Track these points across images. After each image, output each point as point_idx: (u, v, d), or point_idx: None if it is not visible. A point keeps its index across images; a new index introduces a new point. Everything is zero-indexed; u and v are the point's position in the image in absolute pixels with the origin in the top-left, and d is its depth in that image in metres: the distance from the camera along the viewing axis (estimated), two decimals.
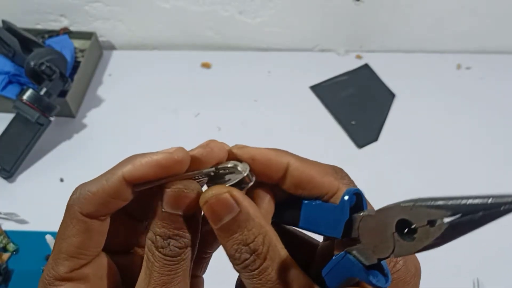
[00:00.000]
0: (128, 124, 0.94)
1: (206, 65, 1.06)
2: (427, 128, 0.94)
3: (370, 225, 0.22)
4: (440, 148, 0.90)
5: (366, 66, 1.06)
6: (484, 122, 0.95)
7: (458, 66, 1.06)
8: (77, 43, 1.03)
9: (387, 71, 1.04)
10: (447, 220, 0.18)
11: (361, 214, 0.23)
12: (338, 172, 0.27)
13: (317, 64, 1.07)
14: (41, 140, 0.87)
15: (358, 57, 1.08)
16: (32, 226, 0.78)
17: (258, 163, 0.26)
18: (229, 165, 0.26)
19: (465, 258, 0.73)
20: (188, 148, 0.26)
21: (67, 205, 0.26)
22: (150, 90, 1.01)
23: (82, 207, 0.25)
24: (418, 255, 0.21)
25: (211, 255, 0.30)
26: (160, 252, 0.24)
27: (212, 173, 0.26)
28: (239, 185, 0.25)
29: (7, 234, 0.76)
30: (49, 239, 0.62)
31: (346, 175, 0.27)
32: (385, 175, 0.86)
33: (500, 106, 0.98)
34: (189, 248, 0.24)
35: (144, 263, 0.24)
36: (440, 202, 0.18)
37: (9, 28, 0.91)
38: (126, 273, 0.28)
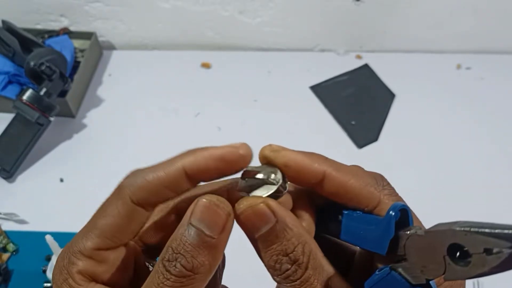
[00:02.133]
0: (128, 124, 0.94)
1: (206, 65, 1.06)
2: (427, 128, 0.93)
3: (419, 245, 0.21)
4: (440, 148, 0.90)
5: (366, 66, 1.06)
6: (484, 122, 0.95)
7: (458, 66, 1.06)
8: (77, 43, 1.03)
9: (387, 71, 1.04)
10: (507, 251, 0.17)
11: (408, 232, 0.22)
12: (379, 182, 0.25)
13: (317, 64, 1.07)
14: (41, 140, 0.87)
15: (358, 57, 1.08)
16: (32, 226, 0.78)
17: (291, 170, 0.25)
18: (260, 176, 0.25)
19: None
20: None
21: (119, 186, 0.24)
22: (150, 90, 1.01)
23: (134, 192, 0.23)
24: None
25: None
26: (164, 265, 0.22)
27: (246, 179, 0.25)
28: (273, 194, 0.24)
29: (7, 234, 0.76)
30: (49, 239, 0.62)
31: (388, 184, 0.26)
32: (385, 175, 0.85)
33: (500, 106, 0.98)
34: (195, 275, 0.22)
35: (152, 272, 0.23)
36: (498, 231, 0.17)
37: (9, 28, 0.91)
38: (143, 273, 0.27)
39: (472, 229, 0.18)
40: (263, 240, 0.23)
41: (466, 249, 0.19)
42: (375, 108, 0.98)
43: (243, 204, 0.23)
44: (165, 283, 0.21)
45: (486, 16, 1.05)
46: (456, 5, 1.03)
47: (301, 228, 0.23)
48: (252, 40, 1.10)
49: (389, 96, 1.00)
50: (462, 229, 0.19)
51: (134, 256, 0.26)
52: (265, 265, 0.23)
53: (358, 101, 0.99)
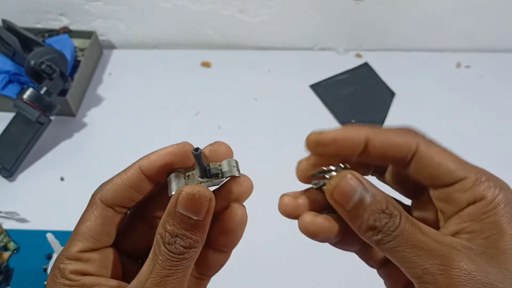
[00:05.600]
0: (128, 123, 0.94)
1: (206, 64, 1.06)
2: (427, 126, 0.92)
3: None
4: None
5: (366, 65, 1.06)
6: (484, 120, 0.95)
7: (458, 65, 1.06)
8: (77, 42, 1.03)
9: (387, 69, 1.04)
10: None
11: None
12: (411, 130, 0.28)
13: (317, 62, 1.07)
14: (41, 139, 0.87)
15: (358, 55, 1.08)
16: (33, 224, 0.78)
17: (340, 144, 0.27)
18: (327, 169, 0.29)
19: None
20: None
21: (92, 195, 0.29)
22: (150, 89, 1.01)
23: (103, 196, 0.28)
24: None
25: (209, 280, 0.31)
26: (166, 247, 0.25)
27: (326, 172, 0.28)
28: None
29: (8, 233, 0.76)
30: (50, 238, 0.62)
31: (418, 131, 0.28)
32: None
33: (499, 105, 0.98)
34: (193, 249, 0.26)
35: (150, 255, 0.26)
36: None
37: (9, 27, 0.91)
38: (130, 277, 0.29)
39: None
40: (358, 207, 0.25)
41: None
42: (375, 106, 0.98)
43: (333, 181, 0.27)
44: (170, 259, 0.25)
45: (486, 14, 1.05)
46: (455, 4, 1.03)
47: (381, 190, 0.26)
48: (252, 39, 1.10)
49: (389, 94, 1.00)
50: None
51: (119, 258, 0.30)
52: (363, 230, 0.26)
53: (358, 99, 0.99)
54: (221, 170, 0.29)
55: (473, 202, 0.25)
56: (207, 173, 0.28)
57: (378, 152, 0.27)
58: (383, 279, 0.32)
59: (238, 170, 0.29)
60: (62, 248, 0.28)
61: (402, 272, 0.27)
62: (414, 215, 0.30)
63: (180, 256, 0.25)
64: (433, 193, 0.28)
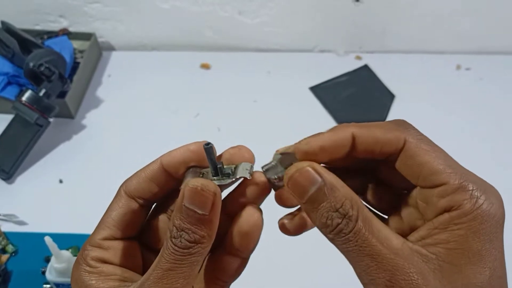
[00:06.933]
0: (127, 125, 0.94)
1: (205, 66, 1.06)
2: (427, 128, 0.92)
3: None
4: None
5: (365, 67, 1.06)
6: (484, 122, 0.95)
7: (458, 67, 1.06)
8: (76, 44, 1.03)
9: (387, 72, 1.04)
10: None
11: None
12: (401, 125, 0.27)
13: (317, 64, 1.07)
14: (40, 141, 0.87)
15: (358, 57, 1.08)
16: (31, 227, 0.78)
17: (327, 150, 0.27)
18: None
19: None
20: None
21: (119, 188, 0.30)
22: (150, 91, 1.01)
23: (127, 187, 0.29)
24: None
25: (229, 286, 0.30)
26: (172, 241, 0.25)
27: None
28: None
29: (6, 235, 0.76)
30: (48, 240, 0.62)
31: (410, 125, 0.27)
32: None
33: (499, 107, 0.98)
34: (199, 245, 0.25)
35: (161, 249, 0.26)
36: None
37: (8, 29, 0.91)
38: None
39: None
40: (312, 201, 0.25)
41: None
42: (375, 108, 0.98)
43: (291, 170, 0.26)
44: (175, 253, 0.25)
45: (486, 16, 1.05)
46: (455, 6, 1.03)
47: (345, 186, 0.25)
48: (251, 40, 1.10)
49: (389, 96, 1.00)
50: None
51: (141, 251, 0.31)
52: (317, 226, 0.25)
53: (358, 101, 0.99)
54: (232, 170, 0.29)
55: (449, 210, 0.24)
56: (218, 172, 0.28)
57: (365, 149, 0.27)
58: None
59: (251, 173, 0.29)
60: (89, 236, 0.29)
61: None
62: (391, 218, 0.29)
63: (185, 251, 0.25)
64: (417, 193, 0.27)
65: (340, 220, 0.24)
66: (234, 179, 0.28)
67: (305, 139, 0.28)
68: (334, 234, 0.24)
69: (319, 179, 0.25)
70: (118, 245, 0.29)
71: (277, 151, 0.29)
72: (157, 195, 0.30)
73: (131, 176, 0.30)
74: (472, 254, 0.22)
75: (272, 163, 0.29)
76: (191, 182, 0.25)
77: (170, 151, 0.30)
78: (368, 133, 0.26)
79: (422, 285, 0.22)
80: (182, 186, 0.26)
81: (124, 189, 0.30)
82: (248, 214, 0.29)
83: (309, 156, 0.27)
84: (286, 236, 0.31)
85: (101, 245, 0.28)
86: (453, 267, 0.23)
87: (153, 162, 0.30)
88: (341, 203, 0.24)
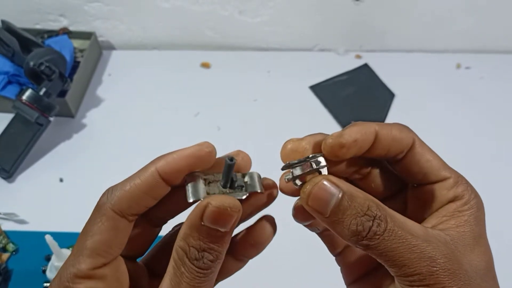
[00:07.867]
0: (127, 123, 0.94)
1: (205, 65, 1.06)
2: (427, 127, 0.93)
3: None
4: (439, 148, 0.90)
5: (365, 66, 1.06)
6: (484, 121, 0.95)
7: (458, 66, 1.06)
8: (77, 43, 1.03)
9: (387, 70, 1.04)
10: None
11: None
12: (405, 127, 0.28)
13: (317, 63, 1.07)
14: (40, 140, 0.87)
15: (358, 56, 1.08)
16: (32, 226, 0.78)
17: (359, 143, 0.26)
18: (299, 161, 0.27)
19: None
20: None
21: (97, 204, 0.26)
22: (150, 90, 1.01)
23: (114, 204, 0.25)
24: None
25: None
26: (193, 264, 0.24)
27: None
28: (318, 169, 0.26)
29: (7, 234, 0.76)
30: (49, 239, 0.62)
31: (409, 127, 0.29)
32: None
33: (499, 106, 0.98)
34: (218, 261, 0.25)
35: (171, 270, 0.25)
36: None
37: (8, 28, 0.91)
38: (132, 277, 0.28)
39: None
40: (335, 212, 0.24)
41: None
42: (375, 107, 0.98)
43: (307, 187, 0.25)
44: (199, 275, 0.24)
45: (486, 15, 1.05)
46: (455, 5, 1.03)
47: (362, 191, 0.25)
48: (251, 39, 1.10)
49: (389, 95, 1.00)
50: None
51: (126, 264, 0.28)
52: (347, 236, 0.24)
53: (358, 100, 0.99)
54: (246, 183, 0.28)
55: (453, 200, 0.27)
56: (232, 184, 0.27)
57: (383, 147, 0.27)
58: (340, 267, 0.32)
59: (261, 185, 0.28)
60: (63, 264, 0.26)
61: (360, 262, 0.29)
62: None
63: (208, 271, 0.24)
64: (415, 190, 0.29)
65: (371, 222, 0.24)
66: (248, 194, 0.28)
67: (335, 133, 0.27)
68: (368, 239, 0.24)
69: (337, 189, 0.24)
70: (108, 271, 0.26)
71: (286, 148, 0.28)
72: (150, 207, 0.27)
73: (115, 189, 0.26)
74: (477, 235, 0.25)
75: (295, 170, 0.27)
76: (215, 202, 0.24)
77: (165, 157, 0.26)
78: (387, 131, 0.27)
79: (456, 262, 0.24)
80: (198, 205, 0.24)
81: (112, 207, 0.25)
82: (264, 227, 0.29)
83: (343, 150, 0.26)
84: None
85: (91, 276, 0.25)
86: (465, 246, 0.25)
87: (143, 170, 0.26)
88: (366, 206, 0.24)
